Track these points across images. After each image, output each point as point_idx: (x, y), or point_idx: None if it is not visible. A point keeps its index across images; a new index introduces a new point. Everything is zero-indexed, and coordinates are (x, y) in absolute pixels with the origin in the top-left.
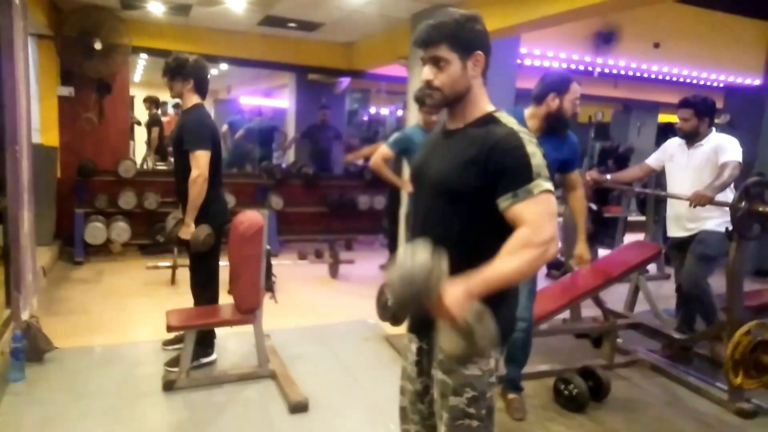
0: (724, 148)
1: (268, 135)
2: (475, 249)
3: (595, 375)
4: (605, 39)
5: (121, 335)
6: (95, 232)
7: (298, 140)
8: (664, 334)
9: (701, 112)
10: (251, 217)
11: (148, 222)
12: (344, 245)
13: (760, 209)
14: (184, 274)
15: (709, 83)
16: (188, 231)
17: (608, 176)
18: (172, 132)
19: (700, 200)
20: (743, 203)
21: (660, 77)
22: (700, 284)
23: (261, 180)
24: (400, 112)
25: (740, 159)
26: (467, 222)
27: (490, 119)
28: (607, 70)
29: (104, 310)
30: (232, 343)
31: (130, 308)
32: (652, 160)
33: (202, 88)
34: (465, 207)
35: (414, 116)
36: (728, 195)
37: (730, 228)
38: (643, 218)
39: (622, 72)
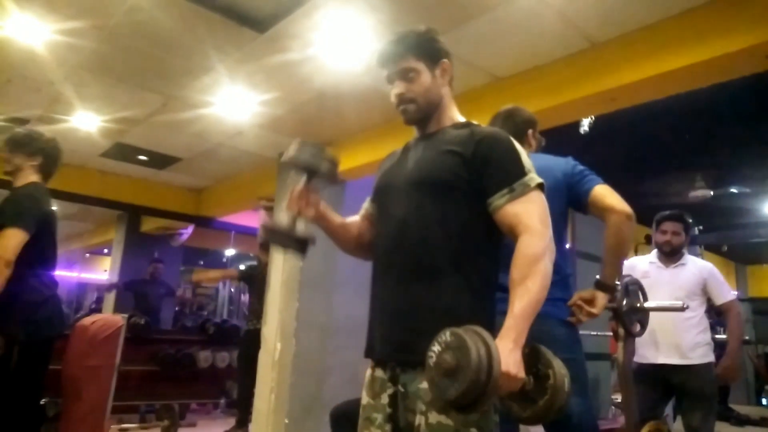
0: (718, 279)
1: None
2: (462, 251)
3: None
4: None
5: None
6: None
7: (119, 289)
8: None
9: (688, 227)
10: (106, 317)
11: None
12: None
13: (638, 305)
14: None
15: None
16: None
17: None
18: None
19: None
20: (625, 301)
21: None
22: None
23: None
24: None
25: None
26: (453, 218)
27: (468, 123)
28: None
29: None
30: None
31: None
32: None
33: (48, 170)
34: (449, 200)
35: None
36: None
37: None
38: None
39: None
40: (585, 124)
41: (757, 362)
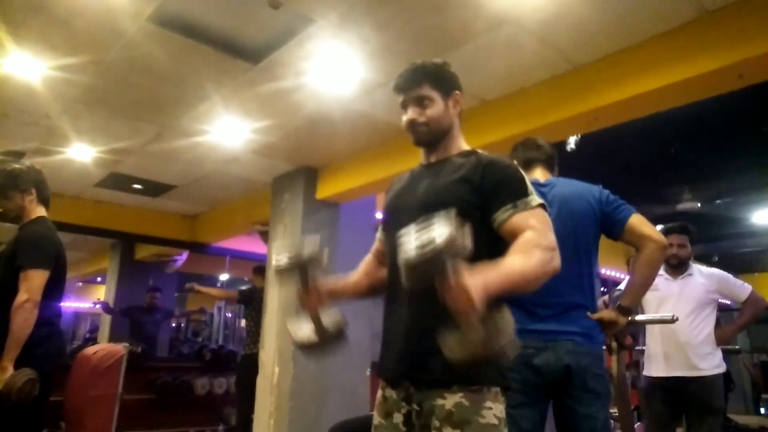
0: (730, 280)
1: None
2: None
3: None
4: None
5: None
6: None
7: (115, 314)
8: None
9: (693, 238)
10: (108, 347)
11: None
12: None
13: (631, 318)
14: None
15: None
16: (2, 378)
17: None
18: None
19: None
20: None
21: None
22: None
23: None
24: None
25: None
26: None
27: (473, 152)
28: None
29: None
30: None
31: None
32: None
33: (45, 197)
34: None
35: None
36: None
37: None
38: None
39: None
40: (572, 143)
41: (754, 371)
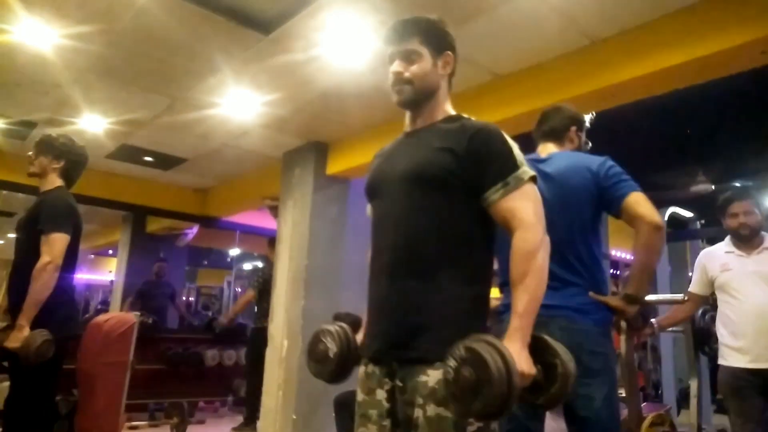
0: None
1: None
2: (456, 245)
3: None
4: None
5: None
6: None
7: (133, 302)
8: None
9: (758, 202)
10: (119, 315)
11: None
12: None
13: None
14: None
15: None
16: (20, 336)
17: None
18: (24, 216)
19: None
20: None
21: None
22: None
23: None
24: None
25: None
26: (447, 214)
27: (459, 117)
28: None
29: None
30: None
31: None
32: (698, 287)
33: (71, 175)
34: (442, 196)
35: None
36: None
37: None
38: None
39: None
40: (587, 120)
41: None
